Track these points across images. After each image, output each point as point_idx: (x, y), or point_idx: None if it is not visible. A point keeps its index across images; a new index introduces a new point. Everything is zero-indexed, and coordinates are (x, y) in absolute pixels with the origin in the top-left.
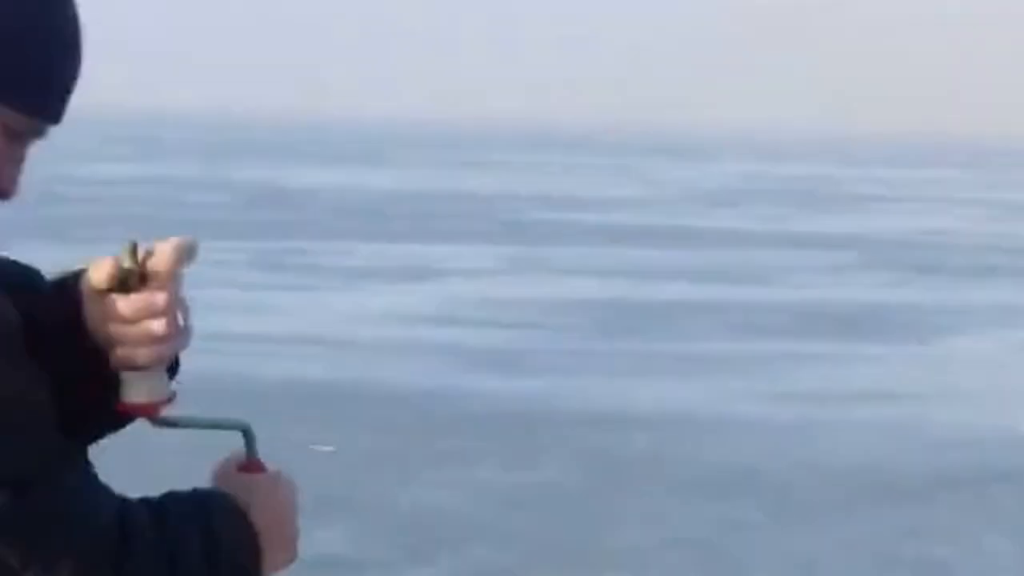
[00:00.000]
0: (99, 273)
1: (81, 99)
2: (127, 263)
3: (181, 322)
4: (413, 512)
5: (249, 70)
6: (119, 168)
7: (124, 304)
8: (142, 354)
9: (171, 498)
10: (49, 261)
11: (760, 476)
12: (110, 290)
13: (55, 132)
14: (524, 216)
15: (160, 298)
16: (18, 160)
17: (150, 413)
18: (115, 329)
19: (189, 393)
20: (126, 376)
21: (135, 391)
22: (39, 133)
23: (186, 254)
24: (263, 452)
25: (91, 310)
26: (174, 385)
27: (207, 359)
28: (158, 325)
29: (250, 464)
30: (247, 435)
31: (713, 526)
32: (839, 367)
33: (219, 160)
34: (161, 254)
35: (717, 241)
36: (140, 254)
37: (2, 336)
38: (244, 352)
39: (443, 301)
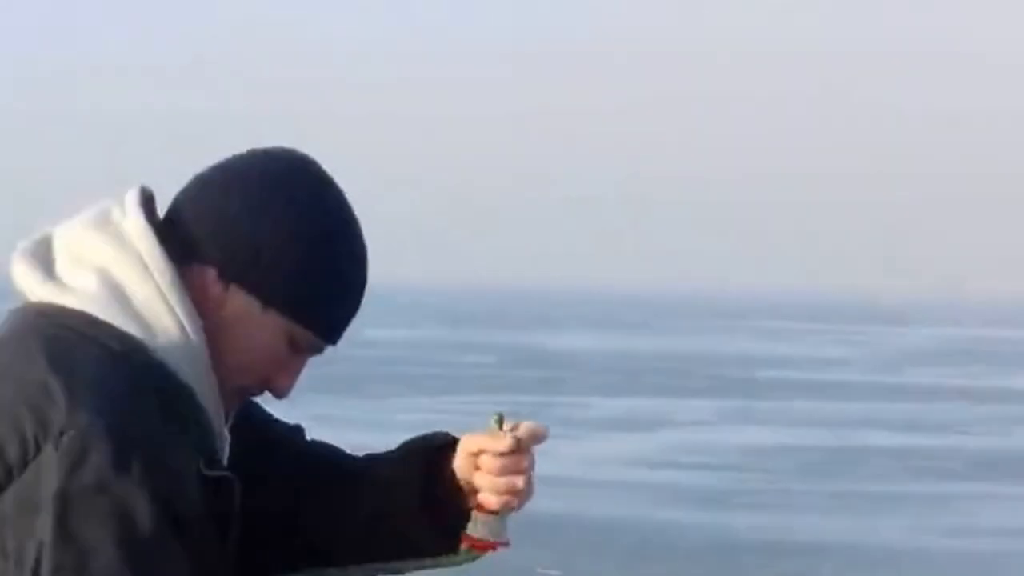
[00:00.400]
0: (498, 443)
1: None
2: (497, 428)
3: (529, 484)
4: None
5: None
6: (392, 333)
7: (492, 461)
8: (496, 501)
9: None
10: (342, 411)
11: None
12: (481, 452)
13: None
14: (745, 374)
15: (524, 461)
16: (298, 370)
17: (491, 549)
18: (480, 479)
19: None
20: (478, 518)
21: (482, 529)
22: (320, 352)
23: (541, 435)
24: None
25: (461, 463)
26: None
27: None
28: (520, 481)
29: None
30: None
31: None
32: (1017, 507)
33: (483, 325)
34: (527, 428)
35: (908, 395)
36: (505, 424)
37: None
38: None
39: (662, 447)
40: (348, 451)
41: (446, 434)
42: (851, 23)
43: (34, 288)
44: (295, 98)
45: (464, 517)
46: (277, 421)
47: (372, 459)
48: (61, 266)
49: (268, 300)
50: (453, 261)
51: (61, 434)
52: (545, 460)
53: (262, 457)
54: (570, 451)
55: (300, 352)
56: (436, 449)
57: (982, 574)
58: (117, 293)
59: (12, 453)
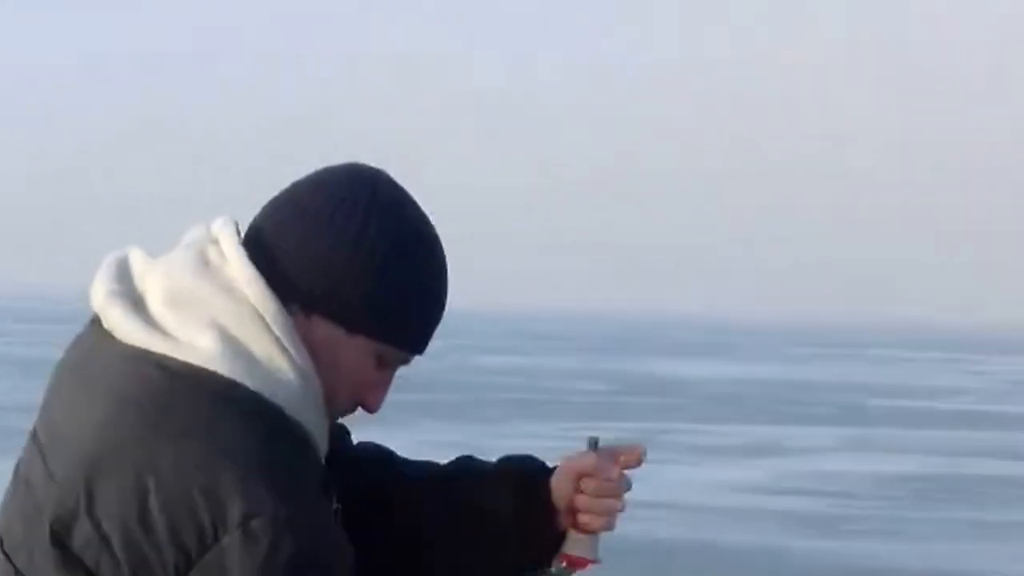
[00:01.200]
0: (606, 469)
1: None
2: (591, 450)
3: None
4: None
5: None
6: (504, 359)
7: (594, 484)
8: (597, 522)
9: None
10: (452, 436)
11: None
12: (583, 474)
13: (455, 327)
14: (860, 402)
15: (622, 485)
16: (387, 384)
17: (583, 567)
18: (582, 501)
19: None
20: (575, 537)
21: (580, 548)
22: (406, 363)
23: (637, 458)
24: None
25: (562, 484)
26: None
27: None
28: (617, 504)
29: None
30: None
31: None
32: None
33: (593, 352)
34: (627, 452)
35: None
36: (599, 447)
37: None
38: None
39: (780, 474)
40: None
41: (539, 460)
42: None
43: (140, 338)
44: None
45: (556, 537)
46: (346, 432)
47: (466, 467)
48: (161, 310)
49: (352, 326)
50: (562, 288)
51: (246, 519)
52: (658, 486)
53: (346, 472)
54: (682, 477)
55: (388, 367)
56: (530, 471)
57: None
58: (238, 348)
59: (188, 538)
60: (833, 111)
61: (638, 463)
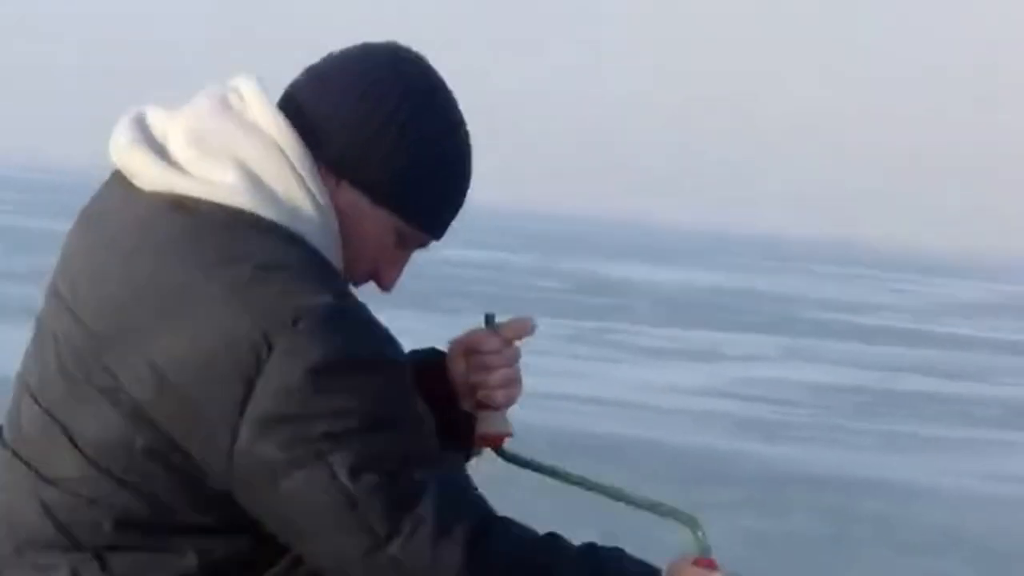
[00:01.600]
0: (490, 340)
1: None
2: (487, 327)
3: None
4: (676, 547)
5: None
6: (467, 253)
7: (482, 357)
8: (499, 395)
9: (618, 553)
10: (421, 325)
11: (978, 542)
12: (472, 351)
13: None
14: (798, 313)
15: (514, 353)
16: (403, 264)
17: (498, 444)
18: (478, 377)
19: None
20: (483, 414)
21: (489, 424)
22: (425, 246)
23: (525, 328)
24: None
25: (453, 364)
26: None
27: (531, 412)
28: (511, 372)
29: (705, 561)
30: (693, 526)
31: None
32: None
33: (551, 252)
34: (512, 324)
35: (951, 344)
36: (495, 323)
37: (404, 374)
38: (557, 408)
39: (719, 379)
40: None
41: (430, 348)
42: None
43: (166, 179)
44: None
45: (468, 421)
46: None
47: None
48: (185, 154)
49: (378, 197)
50: (535, 185)
51: (295, 322)
52: (603, 384)
53: None
54: (628, 376)
55: (407, 247)
56: (424, 358)
57: (1012, 517)
58: (258, 183)
59: (247, 360)
60: None
61: (527, 334)
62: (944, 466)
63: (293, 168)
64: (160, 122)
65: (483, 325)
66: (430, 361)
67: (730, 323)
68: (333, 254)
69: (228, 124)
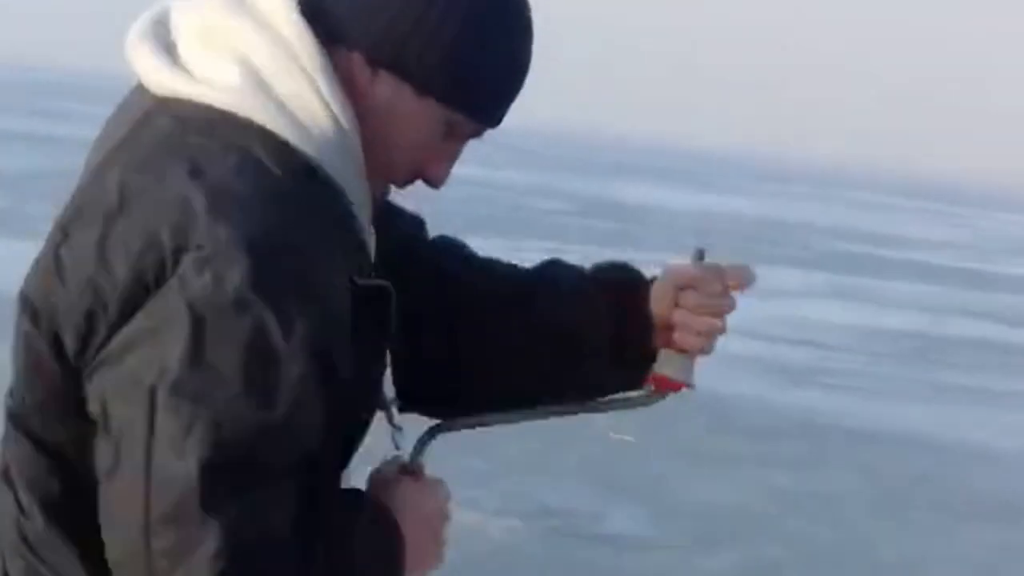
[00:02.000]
0: (712, 283)
1: None
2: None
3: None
4: (703, 504)
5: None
6: (466, 170)
7: (696, 298)
8: (694, 341)
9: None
10: None
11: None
12: (688, 287)
13: None
14: (836, 247)
15: (727, 303)
16: (454, 156)
17: (677, 389)
18: (680, 316)
19: None
20: (668, 355)
21: (671, 368)
22: (479, 136)
23: (750, 279)
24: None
25: (661, 297)
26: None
27: None
28: (718, 323)
29: (410, 468)
30: (422, 440)
31: (983, 549)
32: None
33: (554, 170)
34: (736, 270)
35: (1018, 287)
36: (705, 260)
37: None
38: None
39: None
40: (507, 261)
41: (637, 269)
42: None
43: (162, 79)
44: None
45: (649, 357)
46: (421, 222)
47: (550, 279)
48: (189, 52)
49: (424, 86)
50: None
51: (199, 248)
52: None
53: (408, 266)
54: None
55: (458, 139)
56: (629, 283)
57: None
58: (260, 82)
59: (151, 274)
60: None
61: (748, 284)
62: (1004, 424)
63: (304, 70)
64: (177, 17)
65: (691, 259)
66: (632, 281)
67: (765, 256)
68: (349, 172)
69: (236, 19)
